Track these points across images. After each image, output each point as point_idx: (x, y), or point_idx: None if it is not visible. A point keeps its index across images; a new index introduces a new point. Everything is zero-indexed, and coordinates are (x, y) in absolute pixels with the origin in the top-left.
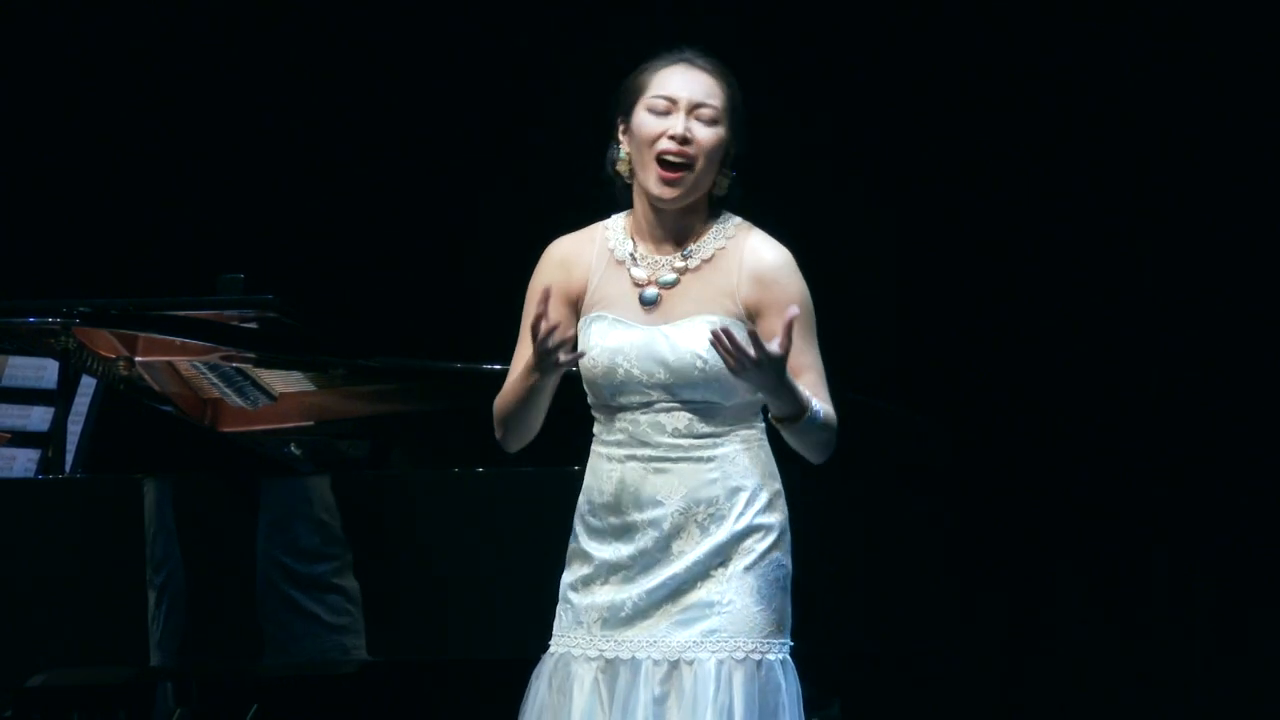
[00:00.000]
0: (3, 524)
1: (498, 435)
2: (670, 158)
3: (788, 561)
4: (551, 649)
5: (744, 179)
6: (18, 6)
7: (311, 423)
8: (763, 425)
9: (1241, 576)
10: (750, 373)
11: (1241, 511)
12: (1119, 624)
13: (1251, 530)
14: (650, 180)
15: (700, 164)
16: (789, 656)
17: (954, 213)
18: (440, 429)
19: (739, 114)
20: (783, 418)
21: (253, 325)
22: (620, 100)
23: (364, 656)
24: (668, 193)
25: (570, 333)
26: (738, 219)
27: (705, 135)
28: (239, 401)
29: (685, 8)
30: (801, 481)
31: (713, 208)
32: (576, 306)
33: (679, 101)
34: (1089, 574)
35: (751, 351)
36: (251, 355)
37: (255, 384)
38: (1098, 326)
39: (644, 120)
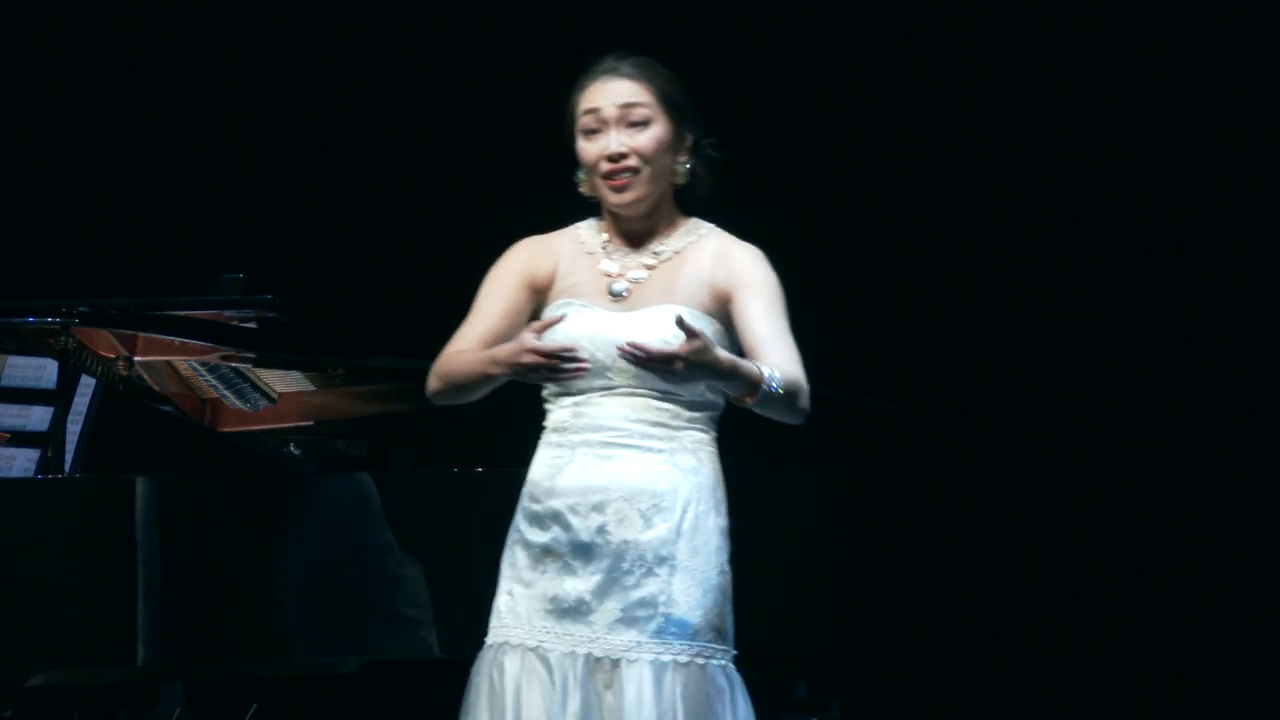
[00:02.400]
0: (2, 524)
1: (432, 388)
2: (612, 176)
3: (729, 568)
4: (489, 640)
5: (709, 166)
6: (18, 6)
7: (311, 423)
8: (716, 434)
9: (1242, 579)
10: (684, 371)
11: (1243, 513)
12: (1119, 625)
13: (1253, 532)
14: (606, 198)
15: (645, 168)
16: (731, 664)
17: (954, 213)
18: (440, 429)
19: (678, 101)
20: (741, 395)
21: (252, 325)
22: (565, 127)
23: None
24: (622, 202)
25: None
26: (708, 224)
27: (641, 139)
28: (239, 404)
29: (680, 16)
30: (800, 481)
31: (681, 206)
32: (542, 293)
33: (603, 113)
34: (1089, 575)
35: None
36: (251, 355)
37: (255, 386)
38: (1099, 327)
39: (582, 146)
